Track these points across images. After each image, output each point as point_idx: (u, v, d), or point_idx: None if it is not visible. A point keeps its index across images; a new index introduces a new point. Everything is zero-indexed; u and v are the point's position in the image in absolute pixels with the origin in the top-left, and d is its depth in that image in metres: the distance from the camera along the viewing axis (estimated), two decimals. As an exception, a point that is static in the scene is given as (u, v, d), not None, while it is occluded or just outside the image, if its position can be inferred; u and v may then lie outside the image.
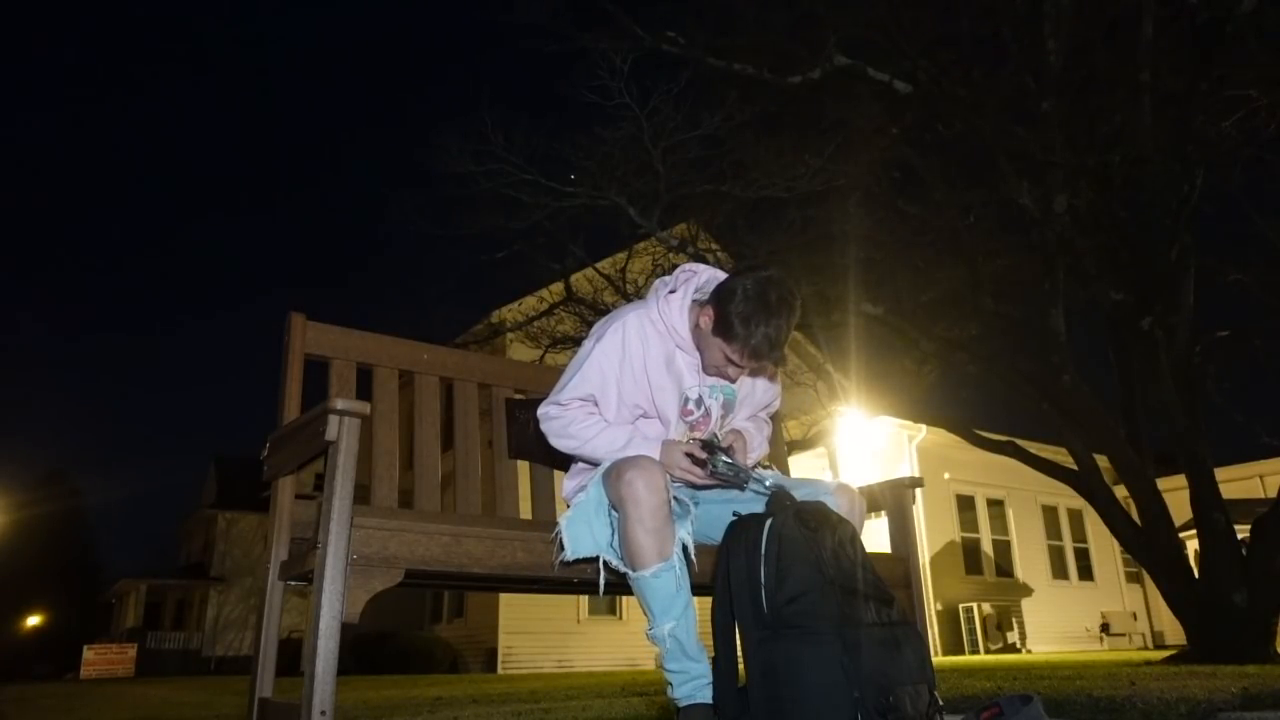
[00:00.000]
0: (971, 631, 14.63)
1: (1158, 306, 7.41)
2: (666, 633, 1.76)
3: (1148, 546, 7.33)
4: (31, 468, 54.04)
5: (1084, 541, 18.03)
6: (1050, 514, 17.60)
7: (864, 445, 13.97)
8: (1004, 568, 16.66)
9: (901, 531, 2.37)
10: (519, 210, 9.00)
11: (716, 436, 2.05)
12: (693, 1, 8.66)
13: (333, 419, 1.61)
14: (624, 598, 9.97)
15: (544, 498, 2.46)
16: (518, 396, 2.53)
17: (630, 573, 1.78)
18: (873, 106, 8.44)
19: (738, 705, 1.70)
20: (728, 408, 2.11)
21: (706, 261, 6.54)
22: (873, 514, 2.27)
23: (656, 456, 1.92)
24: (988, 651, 14.23)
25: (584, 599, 13.79)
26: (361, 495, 1.65)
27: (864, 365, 9.32)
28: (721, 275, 2.07)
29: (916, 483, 2.46)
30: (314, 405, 1.72)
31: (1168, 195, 7.34)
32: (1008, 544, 16.86)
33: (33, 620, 37.46)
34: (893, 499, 2.39)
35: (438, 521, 1.74)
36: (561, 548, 1.82)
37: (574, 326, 10.62)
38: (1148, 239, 7.70)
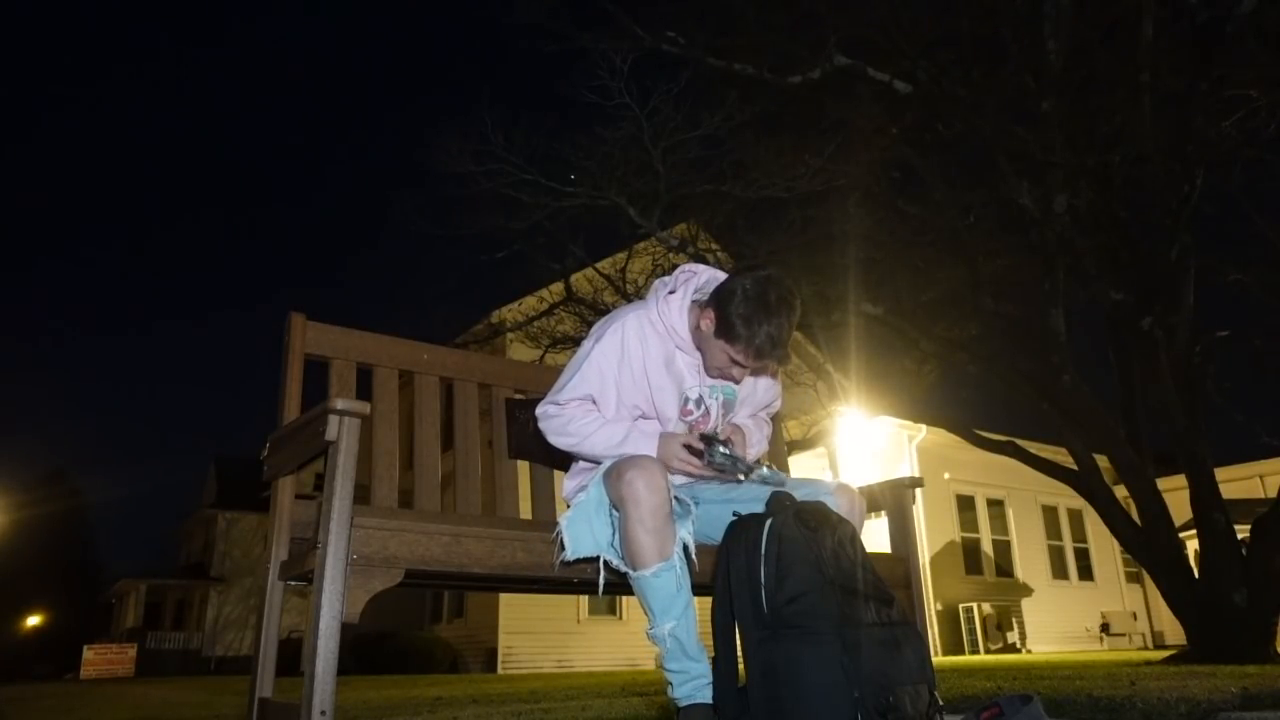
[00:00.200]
0: (971, 631, 14.63)
1: (1158, 306, 7.41)
2: (667, 632, 1.76)
3: (1148, 546, 7.33)
4: (31, 468, 54.10)
5: (1084, 541, 18.04)
6: (1050, 514, 17.60)
7: (864, 445, 13.97)
8: (1004, 568, 16.66)
9: (901, 531, 2.37)
10: (519, 210, 9.01)
11: (715, 429, 2.05)
12: (693, 1, 8.66)
13: (333, 419, 1.61)
14: (624, 598, 9.97)
15: (544, 498, 2.46)
16: (518, 396, 2.53)
17: (631, 572, 1.78)
18: (873, 106, 8.44)
19: (738, 705, 1.70)
20: (728, 407, 2.11)
21: (706, 261, 6.56)
22: (873, 514, 2.27)
23: (655, 450, 1.93)
24: (988, 651, 14.23)
25: (584, 599, 13.79)
26: (361, 495, 1.65)
27: (864, 365, 9.32)
28: (721, 275, 2.07)
29: (916, 483, 2.46)
30: (314, 405, 1.72)
31: (1168, 195, 7.34)
32: (1008, 544, 16.87)
33: (33, 620, 37.44)
34: (893, 499, 2.39)
35: (438, 521, 1.74)
36: (562, 547, 1.82)
37: (574, 326, 10.63)
38: (1148, 239, 7.71)
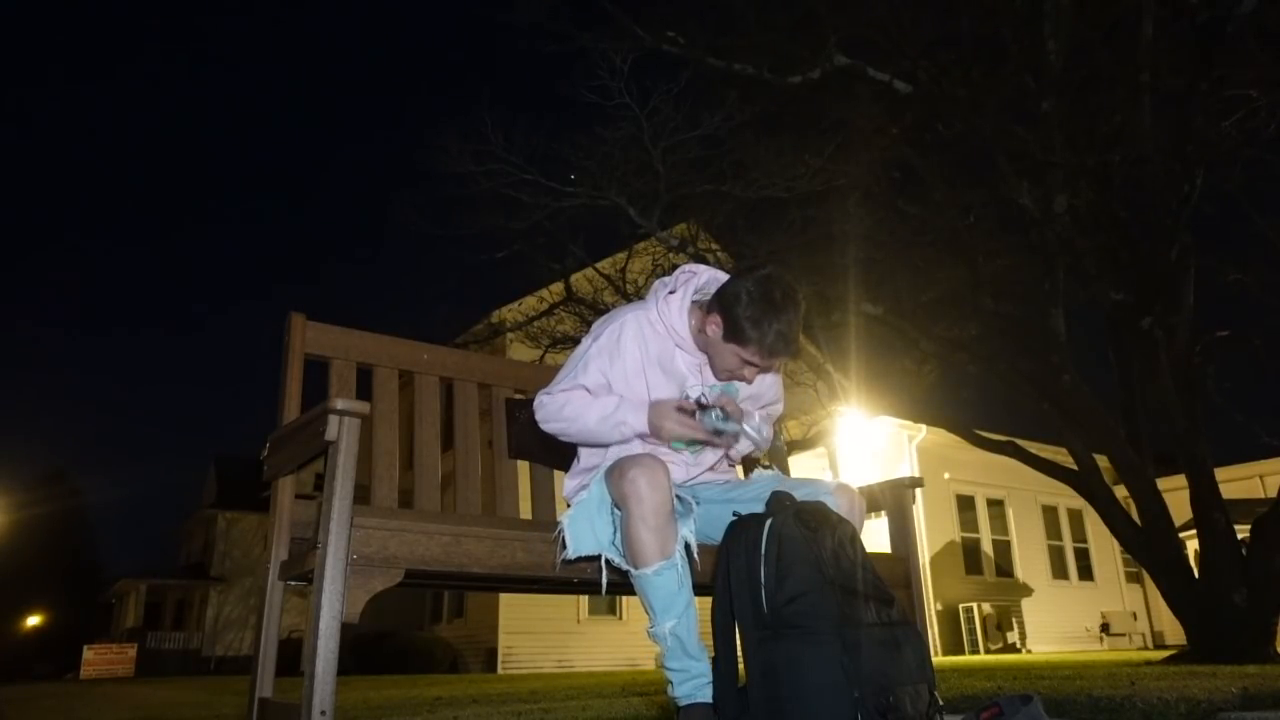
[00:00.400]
0: (971, 631, 14.63)
1: (1158, 306, 7.41)
2: (667, 631, 1.76)
3: (1148, 546, 7.33)
4: (31, 468, 54.08)
5: (1084, 541, 18.04)
6: (1050, 514, 17.60)
7: (864, 445, 13.97)
8: (1004, 568, 16.66)
9: (901, 531, 2.37)
10: (519, 210, 9.01)
11: (704, 395, 2.03)
12: (693, 1, 8.67)
13: (333, 419, 1.61)
14: (624, 598, 9.98)
15: (544, 498, 2.46)
16: (518, 396, 2.53)
17: (632, 570, 1.78)
18: (873, 106, 8.44)
19: (738, 705, 1.70)
20: (728, 405, 2.11)
21: (706, 261, 6.56)
22: (873, 514, 2.27)
23: (645, 417, 1.93)
24: (988, 651, 14.23)
25: (584, 599, 13.79)
26: (361, 495, 1.65)
27: (864, 365, 9.31)
28: (722, 276, 2.07)
29: (916, 483, 2.46)
30: (314, 405, 1.72)
31: (1168, 195, 7.33)
32: (1008, 544, 16.86)
33: (33, 620, 37.44)
34: (893, 499, 2.39)
35: (438, 521, 1.74)
36: (563, 546, 1.82)
37: (574, 326, 10.63)
38: (1148, 239, 7.70)
